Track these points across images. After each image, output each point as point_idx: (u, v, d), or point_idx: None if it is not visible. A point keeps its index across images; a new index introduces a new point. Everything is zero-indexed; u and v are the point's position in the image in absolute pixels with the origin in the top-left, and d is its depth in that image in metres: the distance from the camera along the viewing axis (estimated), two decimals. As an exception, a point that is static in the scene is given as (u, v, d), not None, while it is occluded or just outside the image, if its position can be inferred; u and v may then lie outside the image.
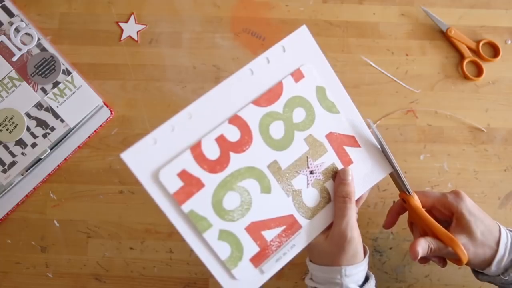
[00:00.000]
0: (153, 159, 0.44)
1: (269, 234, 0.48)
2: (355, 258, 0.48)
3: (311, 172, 0.50)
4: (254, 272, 0.48)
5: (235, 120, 0.47)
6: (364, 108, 0.67)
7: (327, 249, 0.49)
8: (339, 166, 0.51)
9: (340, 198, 0.49)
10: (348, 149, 0.51)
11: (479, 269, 0.52)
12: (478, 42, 0.69)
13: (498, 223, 0.52)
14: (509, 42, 0.69)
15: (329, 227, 0.50)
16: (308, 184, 0.50)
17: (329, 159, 0.51)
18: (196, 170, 0.45)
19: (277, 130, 0.49)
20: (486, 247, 0.50)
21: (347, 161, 0.51)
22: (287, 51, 0.49)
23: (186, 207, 0.45)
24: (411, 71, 0.68)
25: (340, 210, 0.49)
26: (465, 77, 0.68)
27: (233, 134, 0.47)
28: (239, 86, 0.47)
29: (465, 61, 0.68)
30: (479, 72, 0.68)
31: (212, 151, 0.46)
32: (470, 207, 0.51)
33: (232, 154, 0.47)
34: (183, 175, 0.45)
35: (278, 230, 0.48)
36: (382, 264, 0.64)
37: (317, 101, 0.50)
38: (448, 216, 0.53)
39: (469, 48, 0.69)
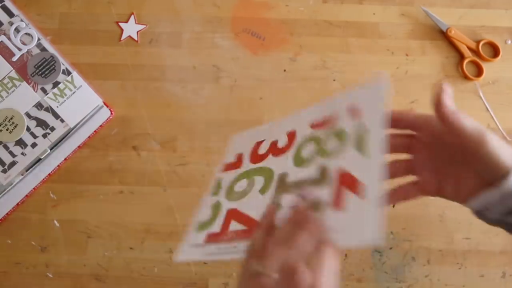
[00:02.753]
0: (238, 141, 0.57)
1: (233, 226, 0.48)
2: None
3: (301, 196, 0.45)
4: (200, 246, 0.48)
5: (291, 134, 0.52)
6: (364, 108, 0.67)
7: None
8: (328, 205, 0.43)
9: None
10: (348, 194, 0.43)
11: (496, 179, 0.39)
12: (478, 42, 0.69)
13: None
14: (509, 42, 0.69)
15: None
16: (291, 206, 0.45)
17: (325, 193, 0.44)
18: (246, 157, 0.54)
19: (307, 151, 0.48)
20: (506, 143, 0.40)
21: (339, 203, 0.42)
22: (358, 92, 0.47)
23: (221, 175, 0.54)
24: (411, 71, 0.68)
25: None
26: (465, 77, 0.68)
27: (283, 142, 0.52)
28: (313, 113, 0.51)
29: (465, 61, 0.68)
30: (479, 72, 0.68)
31: (263, 149, 0.53)
32: None
33: (270, 156, 0.52)
34: (238, 156, 0.55)
35: (239, 227, 0.47)
36: (382, 264, 0.64)
37: (355, 139, 0.45)
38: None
39: (469, 48, 0.69)
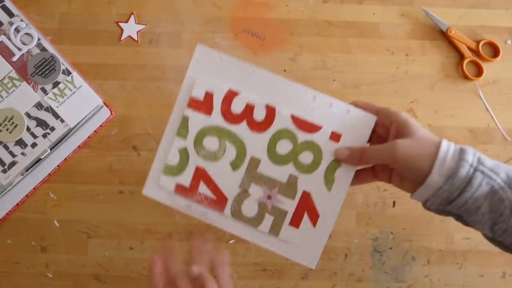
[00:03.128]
0: (209, 72, 0.54)
1: (203, 188, 0.54)
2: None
3: (268, 197, 0.53)
4: (169, 192, 0.54)
5: (271, 110, 0.53)
6: (364, 108, 0.67)
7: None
8: (288, 219, 0.53)
9: None
10: (305, 219, 0.53)
11: (422, 178, 0.46)
12: (478, 42, 0.69)
13: None
14: (509, 42, 0.69)
15: None
16: (257, 200, 0.53)
17: (288, 206, 0.53)
18: (217, 102, 0.53)
19: (282, 147, 0.53)
20: (428, 144, 0.46)
21: (296, 223, 0.53)
22: (348, 117, 0.53)
23: (188, 112, 0.53)
24: (411, 71, 0.68)
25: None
26: (465, 77, 0.68)
27: (259, 114, 0.53)
28: (297, 97, 0.53)
29: (465, 61, 0.68)
30: (479, 72, 0.68)
31: (237, 107, 0.53)
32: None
33: (244, 123, 0.53)
34: (208, 95, 0.53)
35: (209, 194, 0.53)
36: (382, 264, 0.64)
37: (326, 166, 0.53)
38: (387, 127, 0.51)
39: (469, 48, 0.69)
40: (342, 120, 0.53)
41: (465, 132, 0.67)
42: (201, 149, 0.54)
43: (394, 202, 0.65)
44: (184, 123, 0.54)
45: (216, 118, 0.54)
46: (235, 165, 0.54)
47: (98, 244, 0.64)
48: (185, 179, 0.54)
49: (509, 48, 0.69)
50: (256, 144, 0.53)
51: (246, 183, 0.53)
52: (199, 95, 0.54)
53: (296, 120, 0.53)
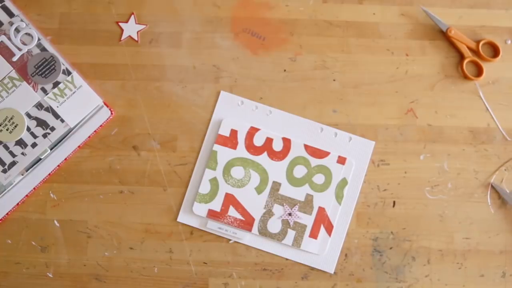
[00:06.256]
0: (232, 114, 0.65)
1: (232, 211, 0.63)
2: None
3: (289, 214, 0.63)
4: (202, 217, 0.63)
5: (287, 141, 0.64)
6: (364, 108, 0.67)
7: None
8: (307, 232, 0.63)
9: None
10: (322, 230, 0.63)
11: None
12: (478, 42, 0.69)
13: None
14: (509, 42, 0.69)
15: None
16: (280, 217, 0.63)
17: (307, 221, 0.63)
18: (241, 138, 0.64)
19: (299, 172, 0.64)
20: None
21: (315, 234, 0.63)
22: (351, 143, 0.65)
23: (216, 147, 0.64)
24: (411, 71, 0.68)
25: None
26: (465, 77, 0.68)
27: (277, 146, 0.64)
28: (308, 129, 0.65)
29: (465, 61, 0.68)
30: (479, 72, 0.68)
31: (258, 141, 0.64)
32: None
33: (265, 154, 0.64)
34: (233, 132, 0.64)
35: (238, 216, 0.63)
36: (382, 264, 0.64)
37: (336, 184, 0.64)
38: None
39: (469, 48, 0.69)
40: (346, 146, 0.64)
41: (465, 132, 0.67)
42: (229, 178, 0.63)
43: (394, 202, 0.65)
44: (213, 156, 0.64)
45: (241, 151, 0.64)
46: (259, 190, 0.63)
47: (98, 244, 0.64)
48: (216, 204, 0.63)
49: (509, 48, 0.69)
50: (276, 170, 0.63)
51: (270, 204, 0.63)
52: (225, 132, 0.64)
53: (309, 148, 0.64)
